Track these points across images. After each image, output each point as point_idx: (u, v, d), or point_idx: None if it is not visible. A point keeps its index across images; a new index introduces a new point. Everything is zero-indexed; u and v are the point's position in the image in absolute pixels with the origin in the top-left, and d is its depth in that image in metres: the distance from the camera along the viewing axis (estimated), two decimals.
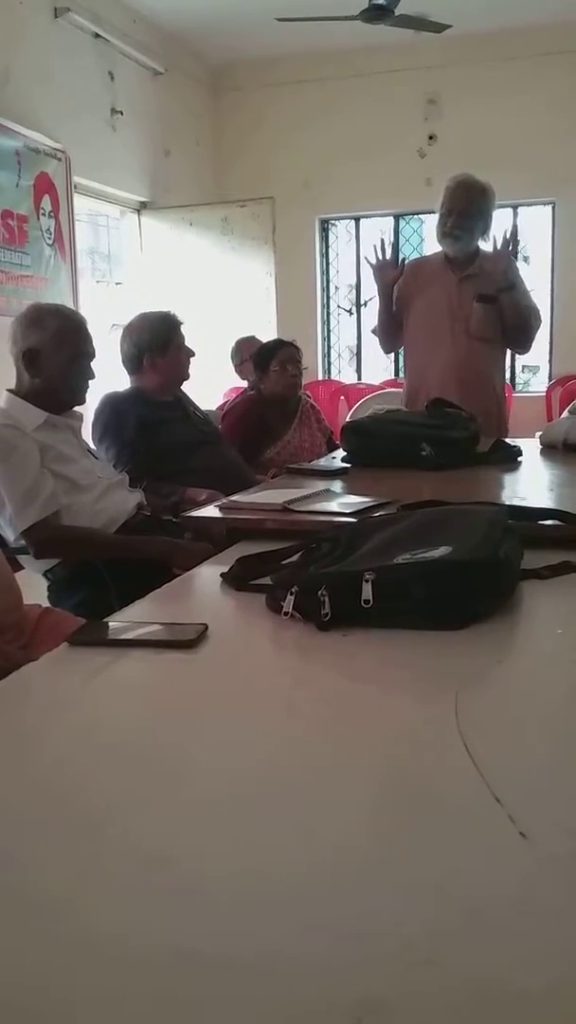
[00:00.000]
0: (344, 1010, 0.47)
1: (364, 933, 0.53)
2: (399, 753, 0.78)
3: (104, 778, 0.74)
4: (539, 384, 7.05)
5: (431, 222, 6.72)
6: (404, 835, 0.64)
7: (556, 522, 1.48)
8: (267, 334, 4.70)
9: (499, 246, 3.19)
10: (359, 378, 7.42)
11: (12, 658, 1.47)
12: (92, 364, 2.23)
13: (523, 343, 3.37)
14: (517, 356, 6.87)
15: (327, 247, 7.40)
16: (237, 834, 0.65)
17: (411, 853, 0.61)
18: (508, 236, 3.18)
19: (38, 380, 2.15)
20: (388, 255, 3.31)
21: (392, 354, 7.07)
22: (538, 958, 0.51)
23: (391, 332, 3.40)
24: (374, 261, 3.31)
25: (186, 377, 2.83)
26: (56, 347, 2.15)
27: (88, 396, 2.30)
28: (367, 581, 1.06)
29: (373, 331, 3.52)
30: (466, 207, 3.15)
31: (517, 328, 3.22)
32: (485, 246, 3.27)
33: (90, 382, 2.25)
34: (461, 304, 3.20)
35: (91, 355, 2.22)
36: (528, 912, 0.55)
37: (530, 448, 2.58)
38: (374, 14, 5.07)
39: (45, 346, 2.14)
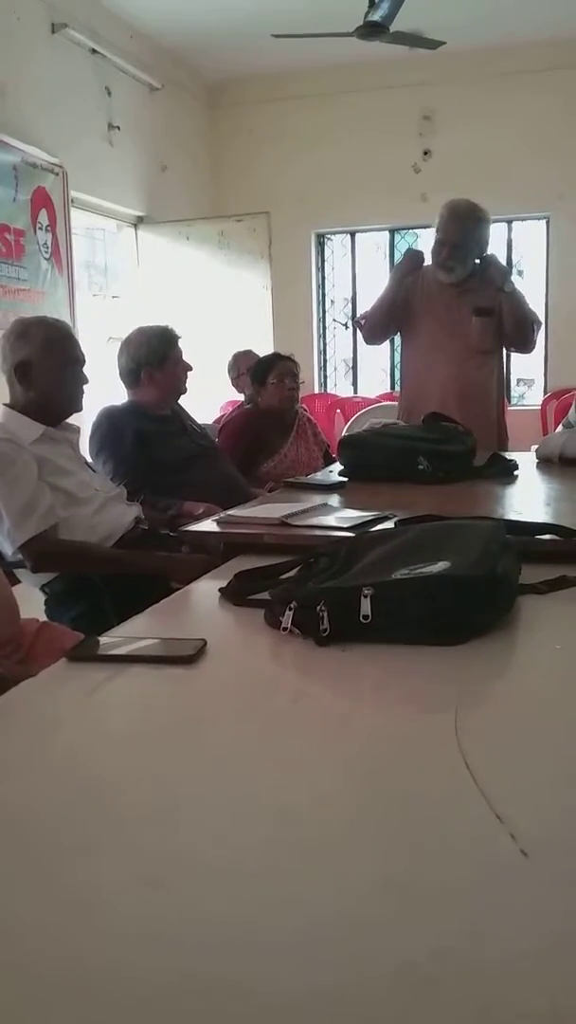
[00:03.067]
0: None
1: (364, 955, 0.53)
2: (398, 769, 0.77)
3: (103, 794, 0.74)
4: (534, 397, 7.07)
5: (426, 237, 6.77)
6: (404, 853, 0.64)
7: (553, 536, 1.49)
8: (263, 348, 4.72)
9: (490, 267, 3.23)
10: (355, 391, 7.43)
11: (11, 670, 1.47)
12: (84, 370, 2.24)
13: (525, 344, 3.37)
14: (512, 370, 6.91)
15: (323, 261, 7.43)
16: (235, 855, 0.64)
17: (411, 872, 0.61)
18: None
19: (32, 393, 2.16)
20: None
21: (388, 367, 7.15)
22: (541, 977, 0.51)
23: (385, 322, 3.38)
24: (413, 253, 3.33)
25: (183, 391, 2.84)
26: (46, 357, 2.15)
27: (85, 409, 2.30)
28: (366, 596, 1.06)
29: (360, 320, 3.49)
30: (459, 239, 3.18)
31: (519, 328, 3.23)
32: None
33: (85, 388, 2.25)
34: (459, 317, 3.21)
35: (81, 360, 2.23)
36: (530, 932, 0.55)
37: (526, 462, 2.58)
38: (369, 31, 5.10)
39: (35, 357, 2.14)
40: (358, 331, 3.70)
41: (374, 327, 3.42)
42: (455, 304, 3.23)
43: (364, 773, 0.77)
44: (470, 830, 0.66)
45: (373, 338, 3.53)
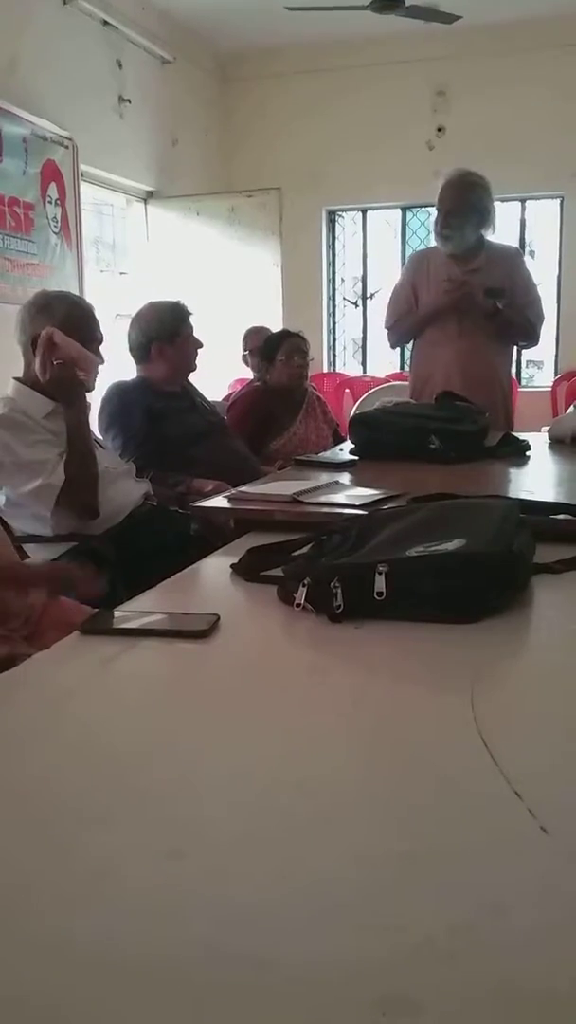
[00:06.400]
0: (367, 1005, 0.47)
1: (385, 928, 0.53)
2: (415, 746, 0.77)
3: (119, 766, 0.74)
4: (544, 379, 7.03)
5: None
6: (423, 829, 0.63)
7: (567, 516, 1.48)
8: (273, 325, 4.69)
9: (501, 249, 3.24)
10: (364, 371, 7.39)
11: (17, 649, 1.47)
12: (101, 349, 2.22)
13: (527, 340, 3.40)
14: (522, 351, 6.87)
15: (334, 239, 7.37)
16: (252, 828, 0.64)
17: (430, 848, 0.61)
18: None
19: None
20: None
21: (398, 347, 7.11)
22: (562, 953, 0.50)
23: (413, 337, 3.43)
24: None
25: (193, 368, 2.82)
26: (65, 333, 2.14)
27: (95, 384, 2.29)
28: (380, 573, 1.05)
29: (389, 329, 3.48)
30: (454, 206, 3.17)
31: (519, 328, 3.26)
32: (491, 237, 3.27)
33: (100, 368, 2.24)
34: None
35: (100, 340, 2.21)
36: (550, 907, 0.54)
37: (537, 442, 2.57)
38: (384, 4, 5.04)
39: None
40: (368, 311, 3.73)
41: (400, 339, 3.51)
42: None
43: (380, 748, 0.77)
44: (488, 806, 0.65)
45: (401, 344, 3.61)
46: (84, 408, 2.17)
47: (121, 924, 0.54)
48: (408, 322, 3.35)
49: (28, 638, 1.68)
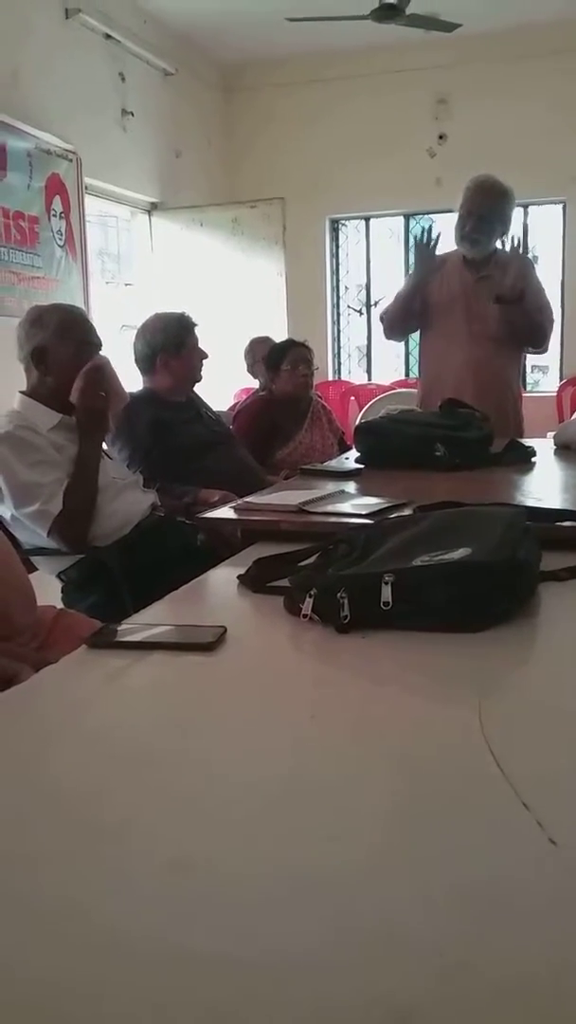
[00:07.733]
0: (377, 1016, 0.47)
1: (394, 940, 0.53)
2: (423, 757, 0.77)
3: (124, 782, 0.74)
4: (549, 384, 7.03)
5: (441, 222, 6.71)
6: (431, 841, 0.63)
7: (573, 523, 1.47)
8: (277, 334, 4.70)
9: (510, 255, 3.20)
10: (369, 379, 7.40)
11: (28, 659, 1.47)
12: (101, 354, 2.23)
13: (537, 344, 3.36)
14: (527, 356, 6.87)
15: (337, 247, 7.39)
16: (260, 839, 0.64)
17: (439, 859, 0.61)
18: (516, 246, 3.18)
19: (50, 378, 2.16)
20: (434, 243, 3.22)
21: (403, 354, 7.12)
22: (570, 964, 0.50)
23: (406, 319, 3.36)
24: (421, 241, 3.22)
25: (199, 379, 2.83)
26: (60, 341, 2.16)
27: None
28: (387, 583, 1.05)
29: (383, 316, 3.47)
30: (486, 212, 3.13)
31: (528, 331, 3.22)
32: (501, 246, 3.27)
33: None
34: (478, 304, 3.18)
35: (96, 344, 2.23)
36: (559, 918, 0.54)
37: (542, 448, 2.56)
38: (385, 14, 5.06)
39: (49, 342, 2.15)
40: (372, 319, 3.71)
41: (392, 325, 3.39)
42: (474, 291, 3.20)
43: (388, 760, 0.77)
44: (496, 818, 0.65)
45: (392, 335, 3.53)
46: (101, 443, 2.20)
47: (129, 930, 0.54)
48: (393, 303, 3.34)
49: (39, 650, 1.68)
